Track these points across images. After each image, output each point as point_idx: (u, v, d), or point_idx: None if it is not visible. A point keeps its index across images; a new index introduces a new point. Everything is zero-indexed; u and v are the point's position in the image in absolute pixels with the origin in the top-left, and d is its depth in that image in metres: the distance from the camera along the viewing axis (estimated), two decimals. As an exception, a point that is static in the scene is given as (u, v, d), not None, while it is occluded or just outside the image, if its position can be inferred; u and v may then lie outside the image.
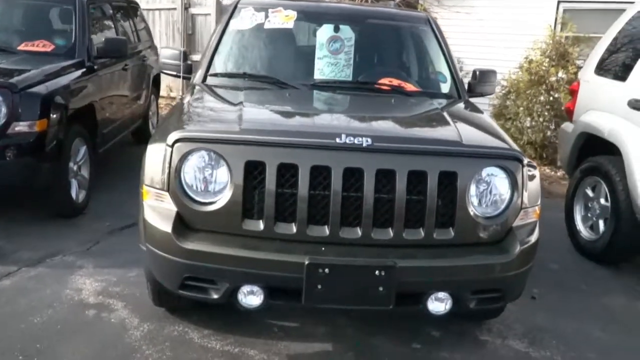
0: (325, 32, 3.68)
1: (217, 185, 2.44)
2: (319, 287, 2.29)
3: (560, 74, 6.98)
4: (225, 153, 2.41)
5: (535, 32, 7.27)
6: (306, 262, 2.26)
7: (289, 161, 2.36)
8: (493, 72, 3.90)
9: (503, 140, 2.70)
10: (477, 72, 3.83)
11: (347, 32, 3.69)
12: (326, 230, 2.38)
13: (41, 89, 4.04)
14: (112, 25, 5.90)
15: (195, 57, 9.73)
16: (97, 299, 3.33)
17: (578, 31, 7.14)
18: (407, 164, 2.39)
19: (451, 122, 2.77)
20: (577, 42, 7.16)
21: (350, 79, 3.62)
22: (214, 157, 2.43)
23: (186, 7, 9.81)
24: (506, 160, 2.52)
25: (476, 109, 3.34)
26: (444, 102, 3.40)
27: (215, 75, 3.54)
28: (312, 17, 3.79)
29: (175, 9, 9.84)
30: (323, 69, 3.63)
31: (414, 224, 2.42)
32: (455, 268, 2.40)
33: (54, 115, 4.09)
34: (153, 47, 7.29)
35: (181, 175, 2.46)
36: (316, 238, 2.39)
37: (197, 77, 3.56)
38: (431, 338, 3.12)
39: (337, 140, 2.40)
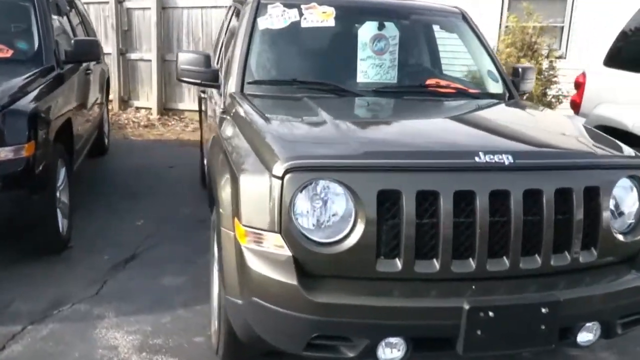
0: (368, 30, 3.31)
1: (342, 222, 2.03)
2: (479, 332, 1.97)
3: (528, 65, 7.02)
4: (352, 182, 2.00)
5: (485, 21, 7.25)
6: (467, 307, 1.93)
7: (428, 188, 2.01)
8: (532, 69, 3.73)
9: (620, 147, 2.50)
10: (520, 70, 3.63)
11: (391, 30, 3.34)
12: (472, 264, 2.06)
13: (25, 105, 3.35)
14: (68, 22, 5.13)
15: (134, 56, 9.04)
16: (140, 357, 2.78)
17: (522, 20, 7.23)
18: (554, 181, 2.11)
19: (568, 130, 2.53)
20: (542, 32, 7.25)
21: (395, 81, 3.28)
22: (338, 188, 2.02)
23: (120, 1, 8.93)
24: (637, 170, 2.32)
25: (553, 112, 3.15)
26: (514, 103, 3.16)
27: (255, 83, 3.07)
28: (351, 14, 3.40)
29: (107, 2, 8.92)
30: (367, 71, 3.27)
31: (560, 248, 2.16)
32: (613, 294, 2.17)
33: (41, 136, 3.41)
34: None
35: (296, 212, 2.02)
36: (461, 274, 2.06)
37: (231, 85, 3.07)
38: (520, 357, 2.91)
39: (477, 159, 2.07)
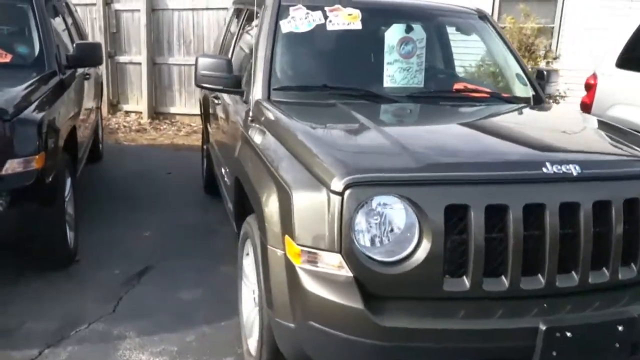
0: (395, 33, 3.19)
1: (405, 239, 1.90)
2: (554, 353, 1.86)
3: (529, 66, 7.01)
4: (417, 197, 1.88)
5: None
6: (544, 328, 1.83)
7: (497, 201, 1.90)
8: (556, 72, 3.66)
9: None
10: (545, 73, 3.56)
11: (418, 33, 3.23)
12: (541, 281, 1.95)
13: (34, 113, 3.15)
14: (64, 24, 4.91)
15: (123, 59, 8.78)
16: (171, 381, 2.62)
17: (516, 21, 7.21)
18: (623, 191, 2.03)
19: (621, 136, 2.44)
20: (539, 33, 7.24)
21: (421, 85, 3.17)
22: (401, 204, 1.90)
23: (108, 3, 8.67)
24: None
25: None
26: (550, 107, 3.08)
27: (282, 89, 2.92)
28: (376, 16, 3.27)
29: (94, 4, 8.65)
30: (394, 76, 3.15)
31: (627, 260, 2.07)
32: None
33: (50, 146, 3.22)
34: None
35: (356, 229, 1.89)
36: (530, 292, 1.95)
37: (257, 92, 2.92)
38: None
39: (544, 170, 1.97)
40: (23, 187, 3.00)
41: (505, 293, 1.93)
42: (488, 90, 3.19)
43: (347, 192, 1.87)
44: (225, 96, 3.58)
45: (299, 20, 3.18)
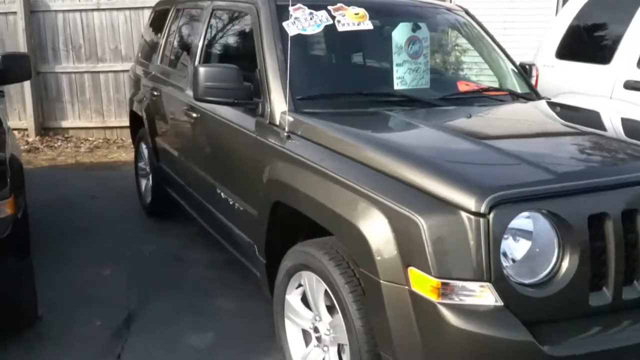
0: (402, 32, 3.02)
1: (549, 257, 1.77)
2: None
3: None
4: (561, 210, 1.74)
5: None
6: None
7: (630, 207, 1.83)
8: (534, 65, 3.75)
9: None
10: (528, 67, 3.62)
11: (424, 31, 3.10)
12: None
13: (-4, 147, 2.51)
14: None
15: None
16: None
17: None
18: None
19: None
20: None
21: (428, 86, 3.06)
22: (543, 218, 1.75)
23: (-27, 4, 7.44)
24: None
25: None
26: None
27: (309, 99, 2.62)
28: (381, 14, 3.08)
29: (-44, 6, 7.39)
30: (404, 77, 2.98)
31: None
32: None
33: (17, 186, 2.60)
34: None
35: (504, 252, 1.71)
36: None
37: (278, 104, 2.60)
38: None
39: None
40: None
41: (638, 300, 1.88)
42: (508, 88, 3.16)
43: (493, 213, 1.68)
44: (212, 109, 3.14)
45: (305, 21, 2.88)
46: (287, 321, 2.55)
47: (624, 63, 4.32)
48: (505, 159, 1.96)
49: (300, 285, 2.45)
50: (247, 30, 3.10)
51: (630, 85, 4.23)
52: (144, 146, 4.79)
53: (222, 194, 3.07)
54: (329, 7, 2.93)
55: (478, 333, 1.68)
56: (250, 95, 2.71)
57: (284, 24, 2.86)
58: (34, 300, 2.90)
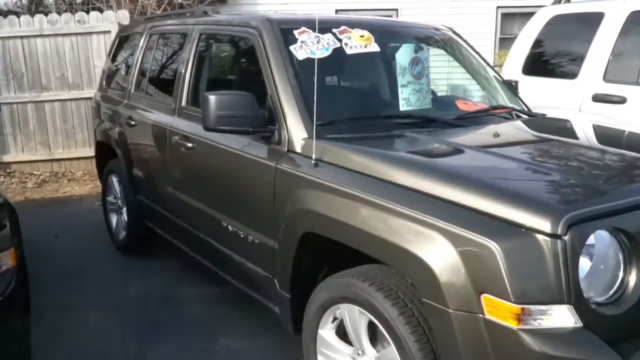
0: (405, 53, 3.01)
1: (617, 274, 1.77)
2: None
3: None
4: (627, 226, 1.75)
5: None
6: None
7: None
8: (517, 82, 3.86)
9: None
10: (513, 84, 3.72)
11: (425, 52, 3.10)
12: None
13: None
14: None
15: None
16: None
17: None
18: None
19: None
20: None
21: (430, 106, 3.06)
22: (612, 235, 1.75)
23: None
24: None
25: None
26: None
27: (329, 124, 2.54)
28: (384, 37, 3.05)
29: None
30: (409, 98, 2.98)
31: None
32: None
33: (16, 235, 2.35)
34: None
35: (580, 272, 1.69)
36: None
37: (297, 131, 2.51)
38: None
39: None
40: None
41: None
42: (513, 105, 3.22)
43: (570, 232, 1.66)
44: (212, 138, 2.99)
45: (312, 45, 2.82)
46: (320, 357, 2.43)
47: (591, 77, 4.53)
48: (562, 178, 1.96)
49: (335, 318, 2.35)
50: (246, 55, 3.00)
51: (599, 98, 4.44)
52: (114, 179, 4.52)
53: (229, 227, 2.91)
54: (334, 30, 2.89)
55: (565, 357, 1.65)
56: (265, 123, 2.60)
57: (291, 48, 2.79)
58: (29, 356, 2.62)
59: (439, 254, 1.83)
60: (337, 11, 9.18)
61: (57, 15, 7.38)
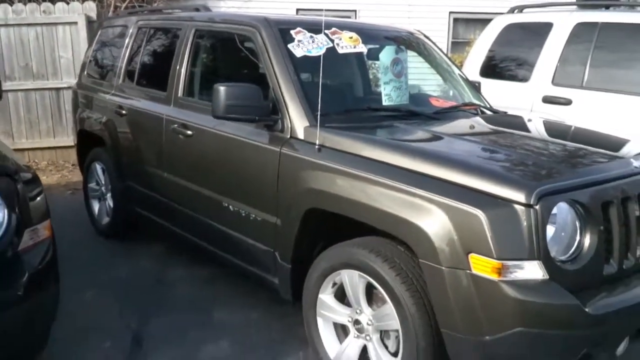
0: (388, 54, 3.39)
1: (575, 238, 2.20)
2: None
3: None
4: (584, 199, 2.19)
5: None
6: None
7: (627, 194, 2.32)
8: (479, 83, 4.31)
9: None
10: (477, 84, 4.16)
11: (404, 53, 3.49)
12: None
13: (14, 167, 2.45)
14: None
15: None
16: None
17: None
18: None
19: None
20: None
21: (408, 102, 3.46)
22: (569, 206, 2.18)
23: None
24: None
25: None
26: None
27: (327, 114, 2.87)
28: (369, 39, 3.41)
29: None
30: (390, 94, 3.36)
31: None
32: None
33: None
34: None
35: (547, 236, 2.11)
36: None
37: (300, 120, 2.84)
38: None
39: (634, 166, 2.47)
40: (40, 266, 2.33)
41: (631, 268, 2.37)
42: (479, 103, 3.65)
43: (539, 204, 2.07)
44: (212, 126, 3.26)
45: (308, 44, 3.15)
46: (319, 319, 2.76)
47: (541, 81, 5.06)
48: (531, 161, 2.39)
49: (335, 284, 2.69)
50: (244, 51, 3.28)
51: (548, 100, 4.97)
52: (98, 166, 4.68)
53: (230, 207, 3.20)
54: (326, 31, 3.22)
55: (535, 302, 2.06)
56: (269, 113, 2.91)
57: (289, 46, 3.11)
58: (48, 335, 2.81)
59: (434, 222, 2.21)
60: (297, 10, 9.48)
61: (22, 5, 7.35)
